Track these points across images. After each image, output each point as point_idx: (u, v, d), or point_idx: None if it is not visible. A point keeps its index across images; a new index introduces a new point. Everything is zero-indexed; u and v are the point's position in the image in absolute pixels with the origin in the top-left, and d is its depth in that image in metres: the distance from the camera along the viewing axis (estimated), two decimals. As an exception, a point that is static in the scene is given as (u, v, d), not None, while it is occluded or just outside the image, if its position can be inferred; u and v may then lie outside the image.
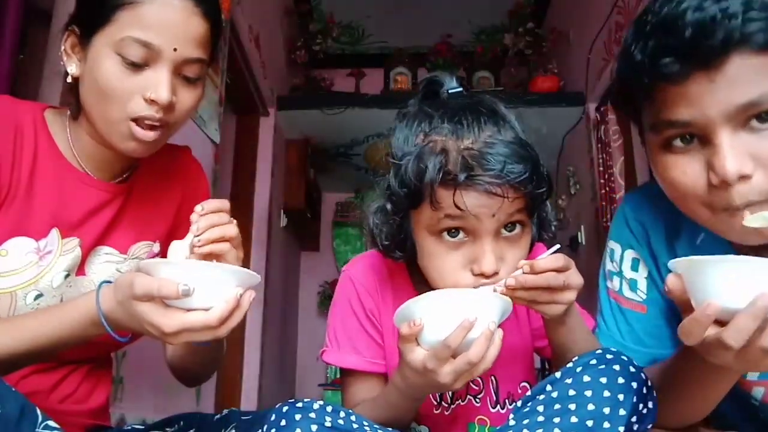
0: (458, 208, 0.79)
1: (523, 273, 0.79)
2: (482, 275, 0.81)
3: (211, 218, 0.80)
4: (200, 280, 0.69)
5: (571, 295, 0.80)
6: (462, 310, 0.73)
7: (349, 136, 3.61)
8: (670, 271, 0.89)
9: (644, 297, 0.94)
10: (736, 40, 0.66)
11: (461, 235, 0.83)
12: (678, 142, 0.74)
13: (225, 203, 0.83)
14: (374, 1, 3.86)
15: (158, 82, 0.83)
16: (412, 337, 0.75)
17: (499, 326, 0.76)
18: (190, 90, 0.87)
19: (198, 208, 0.80)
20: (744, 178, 0.69)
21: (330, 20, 4.00)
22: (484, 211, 0.80)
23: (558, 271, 0.79)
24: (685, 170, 0.74)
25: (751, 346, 0.61)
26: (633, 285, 0.95)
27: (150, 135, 0.85)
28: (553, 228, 0.94)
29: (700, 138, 0.72)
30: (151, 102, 0.83)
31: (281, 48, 3.62)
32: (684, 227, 0.89)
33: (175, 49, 0.83)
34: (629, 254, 0.96)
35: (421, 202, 0.84)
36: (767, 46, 0.67)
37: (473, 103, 0.87)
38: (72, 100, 0.90)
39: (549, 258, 0.79)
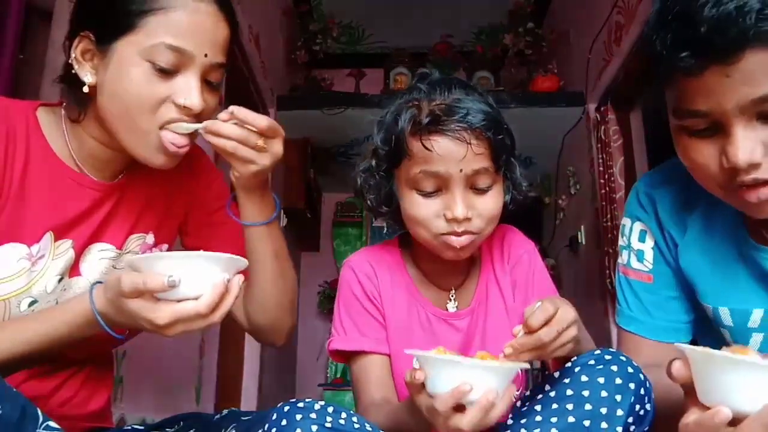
0: (426, 149, 0.90)
1: (520, 336, 0.77)
2: (454, 220, 0.91)
3: (226, 127, 0.82)
4: (185, 270, 0.70)
5: (571, 332, 0.78)
6: (459, 375, 0.72)
7: (349, 136, 3.60)
8: (677, 244, 0.94)
9: (650, 267, 0.98)
10: (751, 37, 0.68)
11: (435, 191, 0.92)
12: (697, 127, 0.78)
13: (261, 121, 0.83)
14: (374, 1, 3.86)
15: (190, 89, 0.82)
16: (415, 386, 0.76)
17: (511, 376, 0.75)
18: (214, 95, 0.88)
19: (231, 107, 0.82)
20: (754, 165, 0.74)
21: (330, 20, 4.00)
22: (452, 156, 0.90)
23: (548, 321, 0.76)
24: (702, 152, 0.78)
25: None
26: (640, 255, 0.99)
27: (182, 151, 0.85)
28: (524, 187, 1.00)
29: (717, 125, 0.76)
30: (183, 108, 0.82)
31: (281, 48, 3.61)
32: (700, 204, 0.93)
33: (206, 55, 0.83)
34: (637, 226, 1.00)
35: (401, 158, 0.94)
36: None
37: (450, 78, 0.99)
38: (73, 104, 0.88)
39: (538, 313, 0.77)
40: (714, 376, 0.63)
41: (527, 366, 0.77)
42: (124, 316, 0.73)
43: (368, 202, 1.02)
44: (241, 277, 0.74)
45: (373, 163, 1.00)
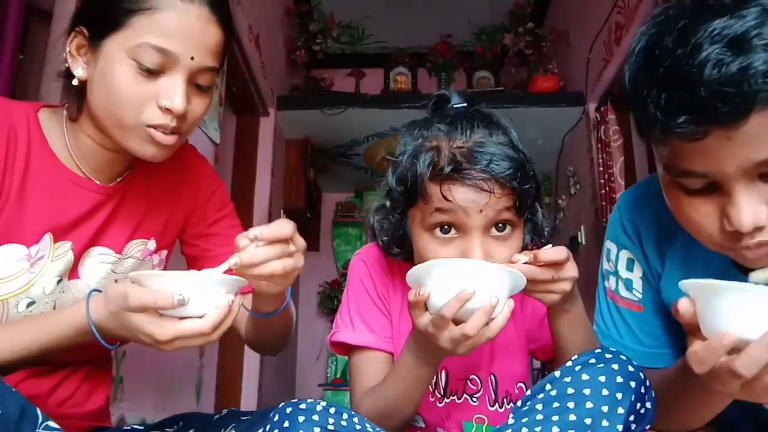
0: (446, 199, 0.84)
1: (520, 263, 0.82)
2: None
3: (258, 254, 0.75)
4: (193, 290, 0.71)
5: (565, 285, 0.83)
6: (463, 280, 0.74)
7: (349, 136, 3.61)
8: (660, 275, 0.88)
9: (640, 297, 0.95)
10: (759, 100, 0.62)
11: (452, 231, 0.87)
12: (693, 186, 0.72)
13: (285, 228, 0.76)
14: (374, 1, 3.86)
15: (173, 91, 0.81)
16: (419, 303, 0.78)
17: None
18: (202, 98, 0.87)
19: (251, 234, 0.75)
20: (759, 228, 0.68)
21: (330, 20, 4.00)
22: (472, 206, 0.84)
23: (559, 263, 0.81)
24: (699, 210, 0.72)
25: (760, 378, 0.61)
26: (628, 285, 0.96)
27: (169, 139, 0.84)
28: (546, 233, 0.95)
29: (716, 185, 0.70)
30: (166, 110, 0.82)
31: (281, 48, 3.61)
32: (679, 232, 0.87)
33: (192, 58, 0.82)
34: (624, 254, 0.96)
35: (416, 199, 0.88)
36: None
37: (471, 112, 0.92)
38: (72, 101, 0.88)
39: (552, 250, 0.81)
40: (717, 306, 0.63)
41: (524, 282, 0.80)
42: (124, 330, 0.74)
43: (380, 243, 0.98)
44: (240, 299, 0.75)
45: (387, 203, 0.95)
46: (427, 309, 0.79)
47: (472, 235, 0.86)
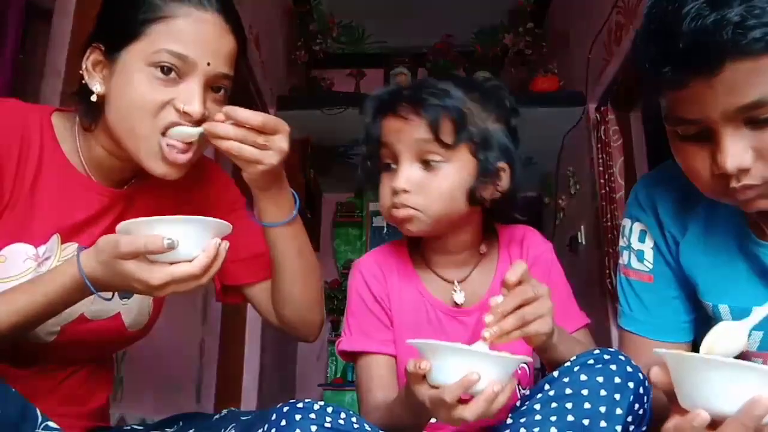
0: (374, 132, 1.00)
1: (498, 302, 0.79)
2: (393, 192, 0.96)
3: (223, 128, 0.83)
4: (181, 234, 0.73)
5: (548, 303, 0.80)
6: (469, 366, 0.72)
7: (349, 136, 3.60)
8: (678, 242, 0.94)
9: (651, 267, 0.98)
10: (730, 50, 0.68)
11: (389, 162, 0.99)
12: (688, 132, 0.79)
13: (256, 118, 0.83)
14: (374, 1, 3.86)
15: (191, 95, 0.83)
16: (418, 375, 0.76)
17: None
18: (217, 105, 0.88)
19: (225, 108, 0.83)
20: (743, 171, 0.74)
21: (330, 20, 4.00)
22: (392, 135, 0.97)
23: (522, 281, 0.79)
24: (695, 157, 0.79)
25: None
26: (640, 256, 0.99)
27: (182, 158, 0.85)
28: (490, 167, 0.96)
29: (707, 131, 0.76)
30: (184, 114, 0.83)
31: (281, 48, 3.61)
32: (701, 202, 0.93)
33: (208, 64, 0.84)
34: (637, 227, 1.01)
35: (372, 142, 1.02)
36: (766, 51, 0.68)
37: (453, 74, 1.04)
38: (85, 114, 0.90)
39: (511, 269, 0.80)
40: (690, 379, 0.62)
41: (530, 359, 0.79)
42: (117, 278, 0.75)
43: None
44: (227, 243, 0.77)
45: (365, 151, 1.05)
46: (426, 380, 0.77)
47: (400, 163, 0.96)
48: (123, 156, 0.89)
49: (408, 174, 0.95)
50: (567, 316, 1.00)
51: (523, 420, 0.75)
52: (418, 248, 1.08)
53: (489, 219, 1.06)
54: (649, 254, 0.98)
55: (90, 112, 0.89)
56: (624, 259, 1.02)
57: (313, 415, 0.73)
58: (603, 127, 2.84)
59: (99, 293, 0.78)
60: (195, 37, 0.83)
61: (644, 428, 0.76)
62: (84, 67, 0.87)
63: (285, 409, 0.74)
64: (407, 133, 0.95)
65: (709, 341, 0.71)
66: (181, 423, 0.97)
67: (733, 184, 0.75)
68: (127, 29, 0.84)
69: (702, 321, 0.96)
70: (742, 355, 0.78)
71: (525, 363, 1.03)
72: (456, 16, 3.89)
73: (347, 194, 4.58)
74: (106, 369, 1.04)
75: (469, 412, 0.73)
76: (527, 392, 1.03)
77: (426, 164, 0.95)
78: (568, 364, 0.78)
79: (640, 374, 0.76)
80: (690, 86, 0.72)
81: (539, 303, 0.80)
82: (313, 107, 3.38)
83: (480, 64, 3.83)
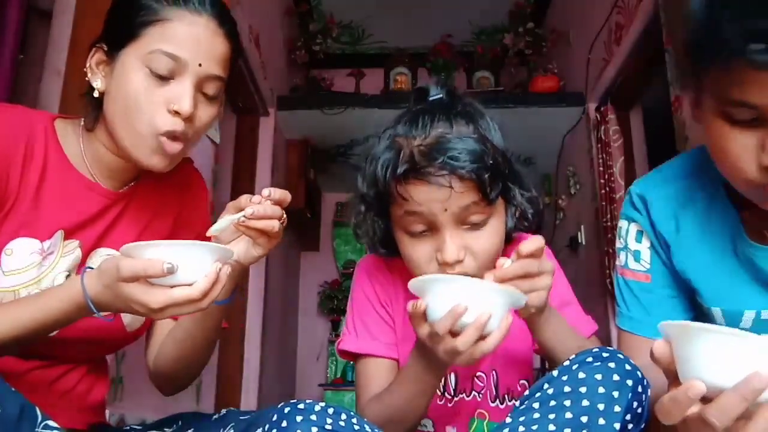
0: (405, 199, 0.86)
1: (506, 265, 0.81)
2: (446, 264, 0.87)
3: (269, 208, 0.83)
4: (182, 258, 0.74)
5: (548, 280, 0.82)
6: (457, 296, 0.75)
7: (349, 136, 3.61)
8: (669, 244, 0.92)
9: (648, 266, 0.98)
10: None
11: (424, 230, 0.89)
12: (740, 116, 0.74)
13: (288, 195, 0.86)
14: (374, 1, 3.86)
15: (181, 94, 0.87)
16: (418, 315, 0.79)
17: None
18: (209, 107, 0.92)
19: (265, 192, 0.84)
20: None
21: (330, 20, 4.00)
22: (434, 204, 0.85)
23: (539, 254, 0.81)
24: (739, 141, 0.75)
25: (734, 431, 0.58)
26: (637, 256, 0.99)
27: (175, 146, 0.89)
28: (529, 216, 0.96)
29: (763, 118, 0.72)
30: (174, 113, 0.87)
31: (281, 48, 3.62)
32: (696, 202, 0.92)
33: (200, 65, 0.88)
34: (633, 227, 1.00)
35: (388, 201, 0.91)
36: None
37: (436, 105, 0.93)
38: (89, 112, 0.94)
39: (530, 241, 0.81)
40: (690, 350, 0.60)
41: (526, 298, 0.78)
42: (118, 301, 0.76)
43: (366, 246, 1.01)
44: (228, 267, 0.77)
45: (362, 207, 0.98)
46: (426, 320, 0.80)
47: (442, 231, 0.87)
48: (122, 153, 0.92)
49: (458, 243, 0.87)
50: (577, 325, 0.99)
51: (522, 419, 0.75)
52: None
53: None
54: (646, 254, 0.98)
55: (93, 110, 0.93)
56: (621, 260, 1.02)
57: (314, 417, 0.73)
58: (603, 127, 2.84)
59: (101, 316, 0.79)
60: (188, 38, 0.87)
61: (642, 427, 0.76)
62: (88, 65, 0.92)
63: (286, 409, 0.74)
64: (451, 201, 0.85)
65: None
66: (180, 423, 0.97)
67: None
68: (126, 30, 0.88)
69: (699, 320, 0.97)
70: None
71: (525, 381, 1.04)
72: (456, 16, 3.89)
73: (347, 194, 4.56)
74: (103, 367, 1.06)
75: (459, 342, 0.75)
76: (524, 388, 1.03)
77: (471, 225, 0.88)
78: (566, 362, 0.78)
79: (639, 373, 0.76)
80: None
81: (539, 278, 0.81)
82: (313, 107, 3.39)
83: (480, 64, 3.84)
